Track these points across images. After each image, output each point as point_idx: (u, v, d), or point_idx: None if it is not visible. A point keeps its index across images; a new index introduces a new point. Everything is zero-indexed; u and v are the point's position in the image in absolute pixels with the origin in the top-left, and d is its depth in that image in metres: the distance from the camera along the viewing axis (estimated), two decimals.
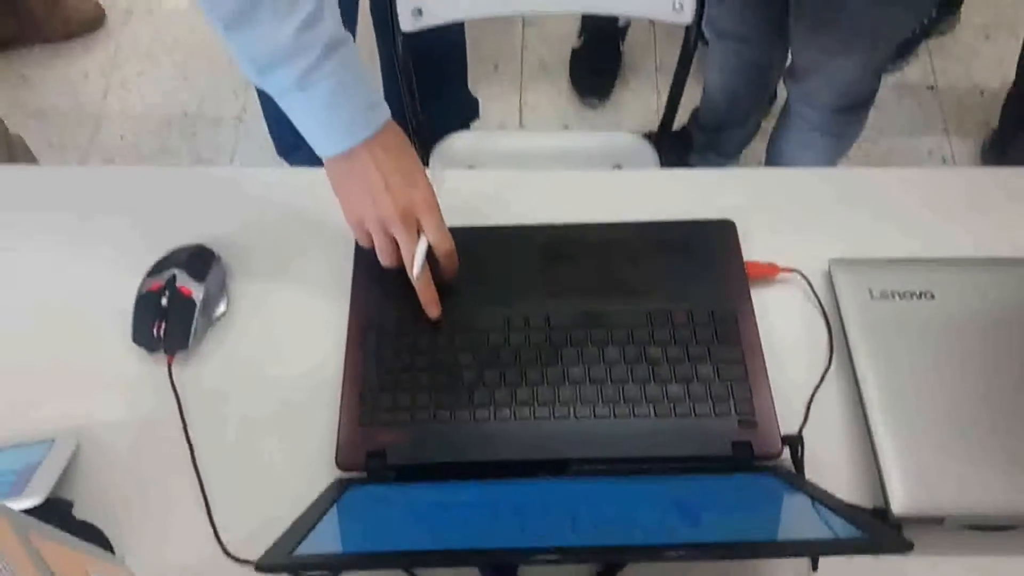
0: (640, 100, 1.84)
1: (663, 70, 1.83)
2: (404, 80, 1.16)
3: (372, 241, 0.72)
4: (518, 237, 0.79)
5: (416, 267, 0.70)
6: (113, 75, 1.90)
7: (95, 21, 1.94)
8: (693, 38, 1.09)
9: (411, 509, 0.65)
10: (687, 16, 1.06)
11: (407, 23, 1.08)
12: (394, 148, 0.70)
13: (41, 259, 0.81)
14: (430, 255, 0.71)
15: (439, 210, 0.71)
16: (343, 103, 0.67)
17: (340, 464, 0.68)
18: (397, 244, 0.71)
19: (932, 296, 0.73)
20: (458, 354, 0.72)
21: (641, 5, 1.10)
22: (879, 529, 0.55)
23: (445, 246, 0.71)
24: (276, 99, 0.68)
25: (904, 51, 1.83)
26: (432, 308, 0.72)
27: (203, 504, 0.68)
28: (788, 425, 0.69)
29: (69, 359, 0.75)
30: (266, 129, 1.57)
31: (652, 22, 1.93)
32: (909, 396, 0.68)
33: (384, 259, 0.72)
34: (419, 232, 0.70)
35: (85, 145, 1.81)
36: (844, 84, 1.19)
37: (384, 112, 0.70)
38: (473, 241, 0.74)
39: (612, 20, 1.82)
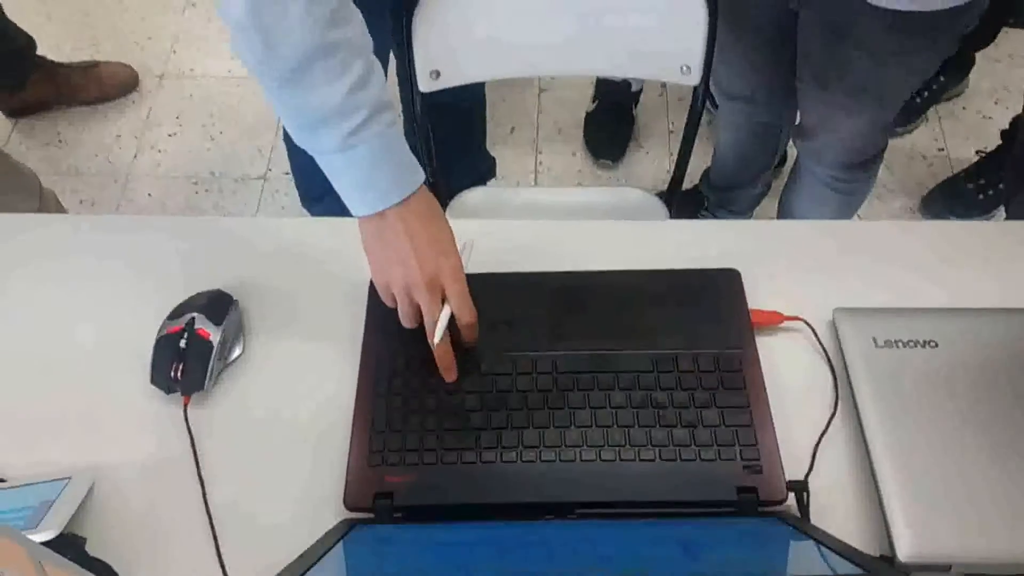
0: (652, 162, 1.88)
1: (675, 133, 1.88)
2: (422, 138, 1.20)
3: (395, 302, 0.73)
4: (527, 284, 0.81)
5: (437, 336, 0.71)
6: (144, 136, 1.98)
7: (129, 85, 2.03)
8: (701, 99, 1.12)
9: (417, 550, 0.65)
10: (695, 78, 1.10)
11: (425, 84, 1.12)
12: (426, 214, 0.71)
13: (65, 302, 0.84)
14: (451, 322, 0.72)
15: (464, 281, 0.72)
16: (382, 165, 0.69)
17: (348, 504, 0.69)
18: (420, 308, 0.72)
19: (935, 345, 0.74)
20: (466, 397, 0.73)
21: (650, 68, 1.14)
22: (882, 569, 0.55)
23: (467, 318, 0.72)
24: (317, 158, 0.70)
25: (913, 114, 1.87)
26: (449, 374, 0.74)
27: (213, 543, 0.69)
28: (793, 471, 0.70)
29: (89, 399, 0.77)
30: (288, 187, 1.62)
31: (664, 87, 1.99)
32: (914, 443, 0.68)
33: (406, 322, 0.73)
34: (442, 300, 0.72)
35: (114, 202, 1.87)
36: (852, 142, 1.21)
37: (419, 176, 0.71)
38: (483, 287, 0.75)
39: (625, 85, 1.88)
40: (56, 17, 2.18)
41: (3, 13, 1.80)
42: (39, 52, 1.91)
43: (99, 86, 2.00)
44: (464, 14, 1.08)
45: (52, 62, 1.94)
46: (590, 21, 1.09)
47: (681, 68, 1.09)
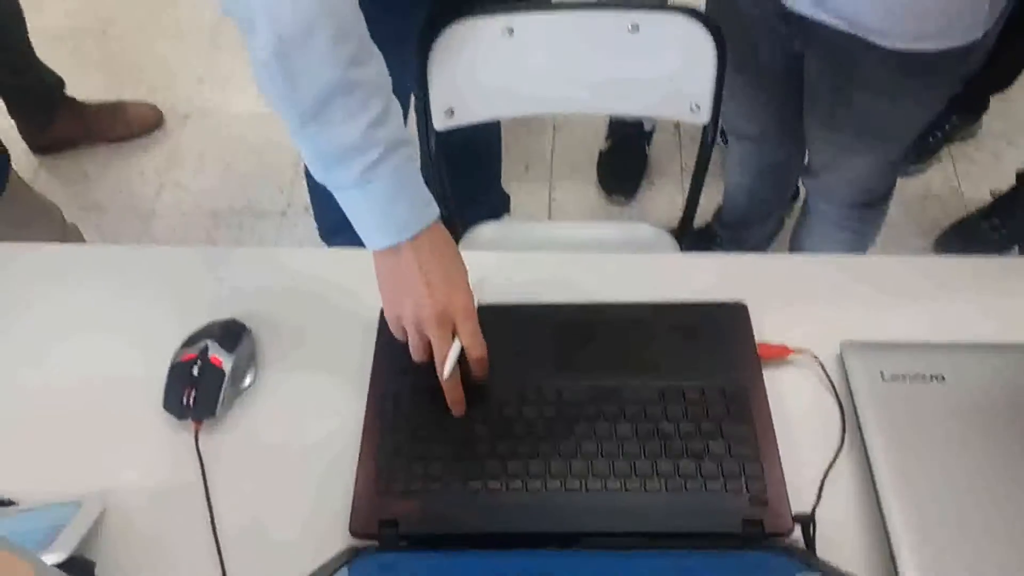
0: (665, 200, 1.89)
1: (688, 172, 1.89)
2: (437, 174, 1.22)
3: (405, 336, 0.74)
4: (536, 315, 0.82)
5: (446, 371, 0.72)
6: (167, 174, 2.02)
7: (154, 124, 2.08)
8: (710, 138, 1.14)
9: None
10: (704, 116, 1.11)
11: (439, 122, 1.15)
12: (440, 249, 0.73)
13: (83, 329, 0.85)
14: (461, 357, 0.73)
15: (476, 317, 0.72)
16: (398, 200, 0.70)
17: (352, 531, 0.69)
18: (430, 342, 0.72)
19: (943, 379, 0.74)
20: (472, 426, 0.74)
21: (660, 107, 1.15)
22: None
23: (477, 352, 0.72)
24: (335, 193, 0.71)
25: (926, 153, 1.87)
26: (457, 408, 0.74)
27: (220, 569, 0.69)
28: (800, 504, 0.69)
29: (102, 424, 0.78)
30: (307, 222, 1.65)
31: (677, 126, 2.01)
32: (922, 478, 0.68)
33: (416, 355, 0.74)
34: (453, 334, 0.72)
35: (136, 238, 1.90)
36: (860, 180, 1.22)
37: (434, 211, 0.73)
38: (492, 318, 0.76)
39: (638, 124, 1.90)
40: (84, 56, 2.25)
41: (33, 53, 1.87)
42: (68, 91, 1.97)
43: (125, 125, 2.05)
44: (478, 54, 1.11)
45: (80, 102, 2.00)
46: (601, 61, 1.11)
47: (691, 107, 1.11)
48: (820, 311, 0.83)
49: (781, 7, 1.00)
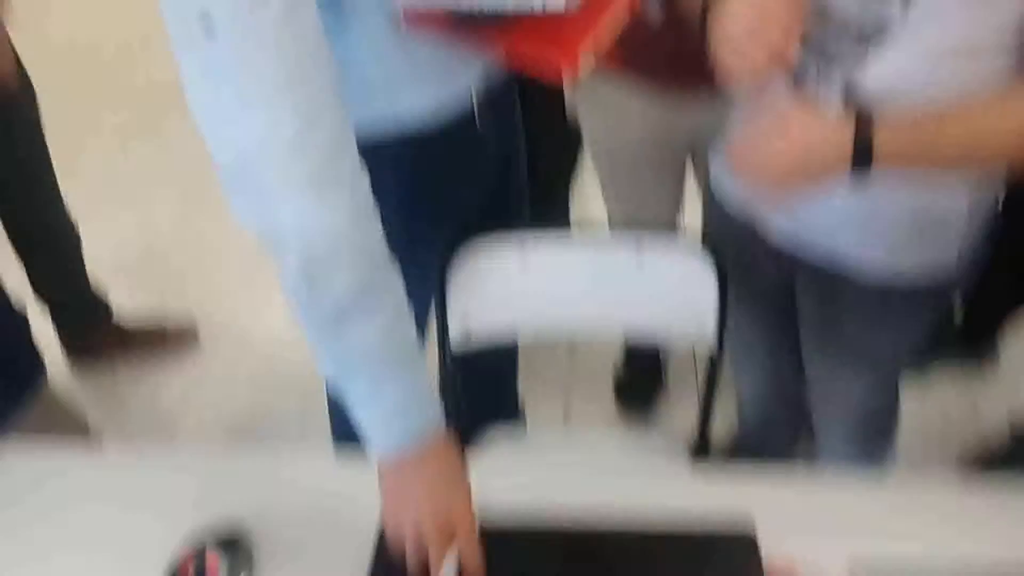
0: (681, 414, 1.89)
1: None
2: (451, 389, 1.24)
3: (403, 547, 0.74)
4: (540, 539, 0.81)
5: None
6: (196, 392, 2.07)
7: (189, 341, 2.16)
8: (716, 363, 1.17)
9: None
10: (709, 343, 1.15)
11: (456, 339, 1.20)
12: (444, 459, 0.75)
13: (84, 536, 0.85)
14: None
15: (475, 528, 0.73)
16: (407, 408, 0.74)
17: None
18: (427, 557, 0.72)
19: None
20: None
21: (668, 331, 1.20)
22: None
23: (473, 564, 0.72)
24: (348, 401, 0.75)
25: (923, 366, 1.87)
26: None
27: None
28: None
29: None
30: (321, 434, 1.66)
31: (693, 347, 2.05)
32: None
33: (412, 566, 0.73)
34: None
35: (157, 441, 1.93)
36: (860, 403, 1.19)
37: (440, 422, 0.76)
38: (494, 541, 0.75)
39: (653, 348, 1.94)
40: (130, 273, 2.38)
41: (87, 277, 1.98)
42: (110, 299, 2.05)
43: (161, 341, 2.13)
44: (495, 279, 1.18)
45: (124, 328, 2.08)
46: (610, 289, 1.18)
47: (696, 334, 1.15)
48: (830, 529, 0.81)
49: (767, 240, 1.07)
